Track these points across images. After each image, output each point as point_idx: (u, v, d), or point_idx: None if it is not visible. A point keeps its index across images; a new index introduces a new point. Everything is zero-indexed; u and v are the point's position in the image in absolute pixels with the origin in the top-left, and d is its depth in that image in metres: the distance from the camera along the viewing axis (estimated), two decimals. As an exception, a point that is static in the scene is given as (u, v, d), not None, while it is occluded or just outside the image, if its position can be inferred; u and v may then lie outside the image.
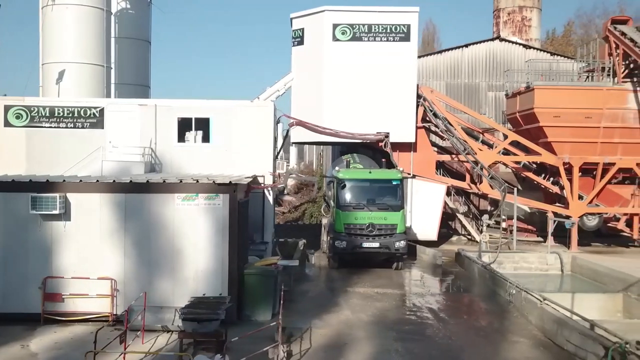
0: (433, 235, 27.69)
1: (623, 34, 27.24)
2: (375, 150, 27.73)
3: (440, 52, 33.48)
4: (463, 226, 31.61)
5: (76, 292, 14.01)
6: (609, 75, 27.52)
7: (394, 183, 21.59)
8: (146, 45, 31.50)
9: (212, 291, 13.90)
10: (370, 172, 22.17)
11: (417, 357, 12.41)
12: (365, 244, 20.99)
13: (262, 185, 20.72)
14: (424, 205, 27.56)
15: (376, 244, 20.97)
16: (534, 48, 34.02)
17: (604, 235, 30.10)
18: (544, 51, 34.40)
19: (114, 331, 12.65)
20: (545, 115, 26.75)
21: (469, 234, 31.08)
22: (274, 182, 21.03)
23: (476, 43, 33.66)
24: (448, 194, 30.53)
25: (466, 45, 33.59)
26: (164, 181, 14.14)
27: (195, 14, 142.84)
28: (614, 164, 27.29)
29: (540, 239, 30.28)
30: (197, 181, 14.07)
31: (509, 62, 32.89)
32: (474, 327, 14.85)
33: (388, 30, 26.36)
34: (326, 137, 26.52)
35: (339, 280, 20.32)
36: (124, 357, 10.94)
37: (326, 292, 18.41)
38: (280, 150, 25.11)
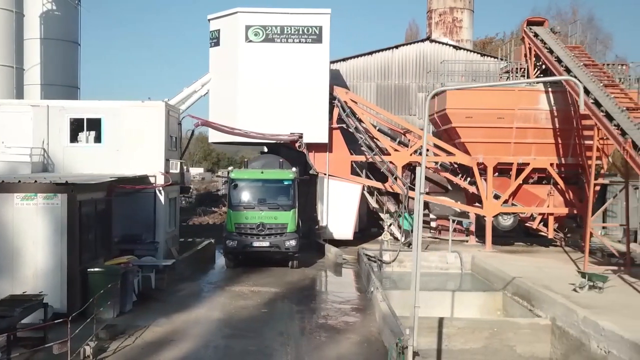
0: (349, 234, 27.91)
1: (536, 35, 27.52)
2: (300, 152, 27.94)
3: (370, 53, 33.65)
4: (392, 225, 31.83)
5: None
6: (523, 75, 27.77)
7: (286, 183, 21.83)
8: (74, 47, 31.72)
9: (52, 289, 14.14)
10: (262, 172, 22.40)
11: (232, 353, 12.65)
12: (256, 243, 21.24)
13: (154, 185, 21.02)
14: (340, 205, 27.80)
15: (266, 243, 21.23)
16: (464, 49, 34.23)
17: (533, 235, 30.32)
18: (474, 52, 34.61)
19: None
20: (458, 116, 26.97)
21: (393, 233, 31.27)
22: (165, 182, 21.24)
23: (407, 44, 33.94)
24: (371, 193, 30.79)
25: (397, 47, 33.80)
26: (2, 181, 14.37)
27: (129, 15, 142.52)
28: (528, 164, 27.52)
29: (466, 238, 30.48)
30: (36, 181, 14.30)
31: (439, 63, 33.07)
32: (322, 326, 15.04)
33: (300, 32, 26.60)
34: (240, 138, 26.75)
35: (225, 279, 20.60)
36: None
37: (199, 291, 18.67)
38: (185, 151, 25.31)
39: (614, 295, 18.14)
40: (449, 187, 31.17)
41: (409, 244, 25.93)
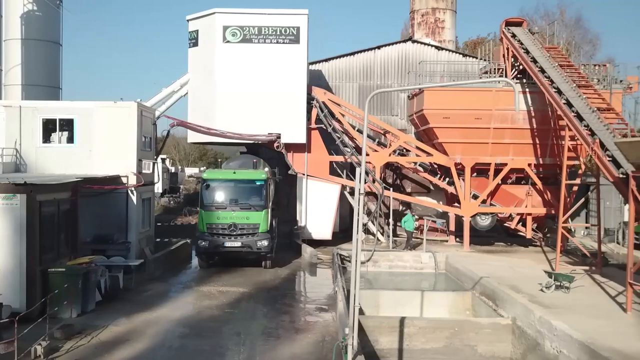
0: (327, 234, 27.96)
1: (514, 35, 27.57)
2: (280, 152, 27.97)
3: (352, 53, 33.72)
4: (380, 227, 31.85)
5: None
6: (501, 76, 27.80)
7: (258, 183, 21.87)
8: (56, 47, 31.78)
9: (11, 289, 14.22)
10: (234, 173, 22.44)
11: (184, 352, 12.72)
12: (228, 244, 21.30)
13: (126, 185, 21.08)
14: (319, 205, 27.85)
15: (238, 243, 21.28)
16: (446, 49, 34.31)
17: (514, 235, 30.35)
18: (457, 52, 34.67)
19: None
20: (435, 117, 27.04)
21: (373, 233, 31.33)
22: (137, 182, 21.30)
23: (389, 45, 33.95)
24: (352, 193, 30.82)
25: (379, 47, 33.86)
26: (-38, 181, 14.43)
27: (112, 16, 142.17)
28: (506, 164, 27.59)
29: (447, 238, 30.51)
30: (-6, 181, 14.36)
31: (418, 64, 33.15)
32: (282, 326, 15.09)
33: (278, 33, 26.67)
34: (218, 138, 26.82)
35: (196, 279, 20.69)
36: None
37: (167, 291, 18.72)
38: (160, 151, 25.37)
39: (580, 295, 18.21)
40: (431, 187, 31.25)
41: (412, 247, 25.96)
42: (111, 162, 21.05)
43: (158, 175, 24.40)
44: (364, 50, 33.83)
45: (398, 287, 22.69)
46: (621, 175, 17.50)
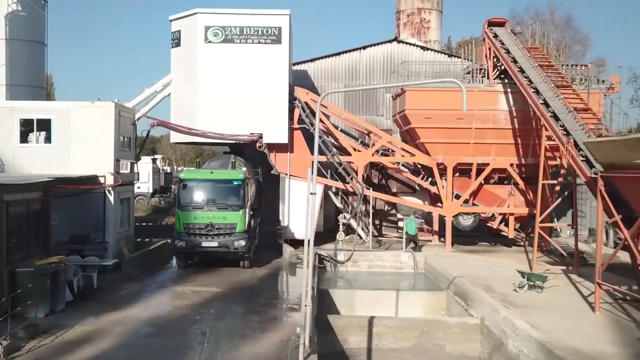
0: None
1: (496, 35, 27.62)
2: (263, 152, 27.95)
3: (338, 54, 33.76)
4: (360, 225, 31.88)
5: None
6: (484, 76, 27.86)
7: (235, 183, 21.87)
8: (41, 47, 31.73)
9: (-22, 288, 14.21)
10: (211, 173, 22.46)
11: (145, 352, 12.75)
12: (204, 243, 21.31)
13: (103, 185, 21.12)
14: (301, 205, 27.77)
15: (215, 243, 21.29)
16: (432, 49, 34.33)
17: (498, 235, 30.38)
18: (442, 53, 34.69)
19: None
20: (417, 117, 27.08)
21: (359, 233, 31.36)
22: (115, 182, 21.32)
23: (374, 45, 33.98)
24: (337, 193, 30.90)
25: (364, 47, 33.91)
26: None
27: (99, 16, 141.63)
28: (488, 164, 27.63)
29: (431, 237, 30.55)
30: (-39, 181, 14.38)
31: (400, 64, 33.16)
32: (250, 325, 15.07)
33: (260, 33, 26.68)
34: (200, 138, 26.84)
35: (172, 279, 20.71)
36: None
37: (141, 291, 18.70)
38: (140, 151, 25.38)
39: (552, 295, 18.28)
40: (417, 187, 31.28)
41: (417, 249, 25.88)
42: (89, 162, 21.07)
43: (138, 175, 24.39)
44: (350, 51, 33.87)
45: (378, 287, 22.73)
46: (593, 175, 17.55)
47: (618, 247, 16.36)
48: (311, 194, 10.97)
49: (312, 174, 10.79)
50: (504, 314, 14.35)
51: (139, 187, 48.65)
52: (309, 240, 11.35)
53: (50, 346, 12.87)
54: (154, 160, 52.74)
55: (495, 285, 19.51)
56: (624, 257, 19.71)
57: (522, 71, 24.35)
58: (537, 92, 22.76)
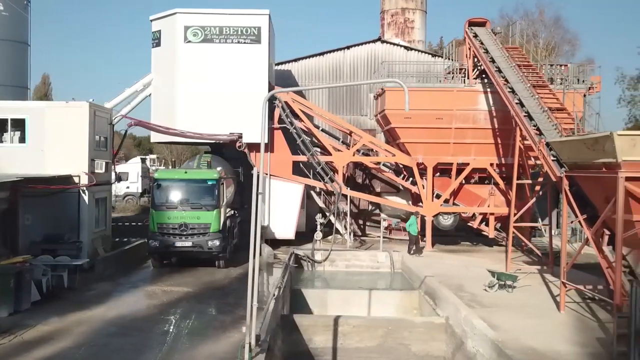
0: (291, 234, 27.96)
1: (476, 35, 27.63)
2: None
3: (322, 53, 33.76)
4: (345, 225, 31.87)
5: None
6: (464, 76, 27.86)
7: (210, 183, 21.87)
8: (24, 47, 31.76)
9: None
10: (185, 172, 22.48)
11: (103, 351, 12.77)
12: (178, 243, 21.32)
13: (77, 184, 21.14)
14: (281, 205, 27.84)
15: (189, 243, 21.30)
16: (415, 49, 34.34)
17: (481, 235, 30.38)
18: (425, 52, 34.70)
19: None
20: (397, 117, 27.08)
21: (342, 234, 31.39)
22: (89, 182, 21.34)
23: (358, 45, 33.98)
24: (319, 193, 30.94)
25: (348, 47, 33.91)
26: None
27: (82, 16, 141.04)
28: (468, 164, 27.65)
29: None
30: None
31: (390, 64, 33.16)
32: (212, 325, 15.10)
33: (239, 33, 26.70)
34: (179, 138, 26.86)
35: (145, 278, 20.74)
36: None
37: (112, 290, 18.71)
38: (117, 151, 25.40)
39: (522, 295, 18.30)
40: (401, 187, 31.30)
41: (419, 251, 25.78)
42: (63, 162, 21.10)
43: (116, 174, 24.42)
44: (334, 51, 33.87)
45: (355, 287, 22.71)
46: (562, 175, 17.55)
47: (581, 246, 16.39)
48: (259, 193, 10.96)
49: (259, 173, 10.80)
50: (464, 313, 14.36)
51: (128, 187, 49.10)
52: (255, 239, 11.37)
53: (8, 346, 12.88)
54: (143, 160, 52.80)
55: (467, 285, 19.53)
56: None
57: (499, 71, 24.36)
58: (513, 91, 22.76)
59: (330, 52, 33.87)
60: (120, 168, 52.79)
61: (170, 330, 14.43)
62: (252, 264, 11.29)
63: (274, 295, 15.43)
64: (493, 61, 25.18)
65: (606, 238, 15.22)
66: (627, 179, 12.97)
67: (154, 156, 65.52)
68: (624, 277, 13.88)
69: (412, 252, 25.24)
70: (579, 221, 16.12)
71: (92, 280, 19.75)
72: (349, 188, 28.29)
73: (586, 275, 19.39)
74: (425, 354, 15.80)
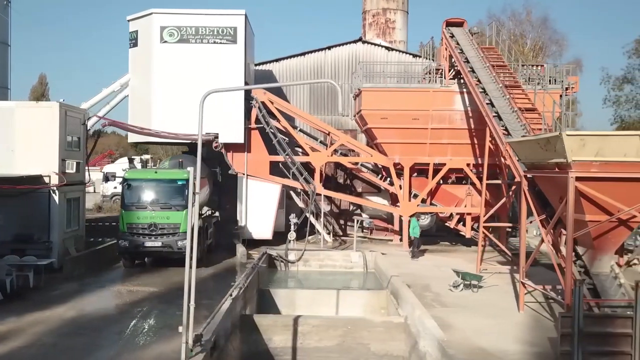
0: (268, 234, 27.97)
1: (452, 35, 27.65)
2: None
3: (303, 54, 33.76)
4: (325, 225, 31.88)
5: None
6: (441, 76, 27.89)
7: (180, 183, 21.89)
8: (4, 47, 31.79)
9: None
10: (155, 172, 22.50)
11: (52, 350, 12.80)
12: (148, 243, 21.35)
13: (47, 184, 21.14)
14: (258, 205, 27.89)
15: (158, 243, 21.33)
16: (396, 50, 34.36)
17: (461, 235, 30.35)
18: (406, 53, 34.68)
19: None
20: (373, 117, 27.12)
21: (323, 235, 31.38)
22: (60, 182, 21.34)
23: (339, 45, 33.99)
24: (298, 193, 30.94)
25: (329, 47, 33.91)
26: None
27: (61, 17, 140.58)
28: (444, 164, 27.67)
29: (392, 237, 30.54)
30: None
31: (371, 64, 33.16)
32: (169, 325, 15.01)
33: (215, 33, 26.73)
34: (154, 138, 26.88)
35: (114, 278, 20.78)
36: None
37: (77, 290, 18.70)
38: (91, 152, 25.42)
39: (486, 295, 18.33)
40: (382, 187, 31.32)
41: (420, 253, 25.73)
42: (33, 162, 21.06)
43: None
44: (315, 51, 33.87)
45: (328, 286, 22.71)
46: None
47: (538, 246, 16.44)
48: (195, 193, 10.97)
49: (195, 173, 10.82)
50: (418, 313, 14.38)
51: (115, 187, 49.05)
52: (192, 238, 11.39)
53: (-41, 344, 12.92)
54: (130, 160, 52.70)
55: (434, 285, 19.57)
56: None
57: (473, 71, 24.38)
58: (485, 91, 22.78)
59: (311, 52, 33.87)
60: (108, 168, 53.40)
61: (126, 330, 14.45)
62: (189, 264, 11.28)
63: (230, 294, 15.42)
64: (467, 61, 25.21)
65: (564, 238, 15.23)
66: (578, 178, 12.98)
67: (148, 156, 65.54)
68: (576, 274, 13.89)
69: (414, 255, 25.17)
70: (539, 221, 16.14)
71: (60, 280, 19.78)
72: (329, 188, 28.32)
73: (556, 275, 19.37)
74: (384, 354, 15.80)
